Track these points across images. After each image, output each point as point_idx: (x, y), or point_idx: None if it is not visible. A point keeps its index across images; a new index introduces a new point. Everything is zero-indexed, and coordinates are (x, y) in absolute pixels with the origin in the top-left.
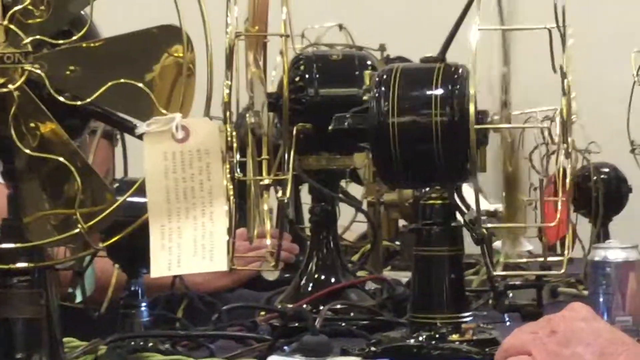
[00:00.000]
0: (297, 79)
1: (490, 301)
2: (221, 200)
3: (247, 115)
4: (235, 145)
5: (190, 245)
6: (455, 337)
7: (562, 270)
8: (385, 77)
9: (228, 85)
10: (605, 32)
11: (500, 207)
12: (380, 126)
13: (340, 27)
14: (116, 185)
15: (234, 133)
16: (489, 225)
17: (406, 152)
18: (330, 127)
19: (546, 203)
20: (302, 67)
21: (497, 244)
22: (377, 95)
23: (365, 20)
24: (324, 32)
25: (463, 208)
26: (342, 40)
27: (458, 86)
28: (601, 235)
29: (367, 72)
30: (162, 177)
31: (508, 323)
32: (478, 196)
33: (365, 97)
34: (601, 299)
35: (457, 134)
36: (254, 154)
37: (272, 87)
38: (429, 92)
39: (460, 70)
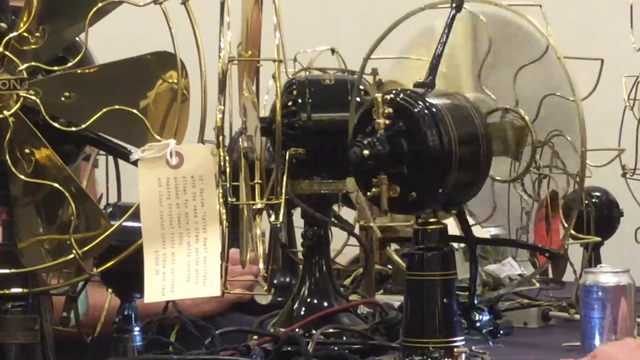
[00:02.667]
0: (289, 103)
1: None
2: (215, 226)
3: (240, 139)
4: (228, 169)
5: (184, 271)
6: None
7: None
8: (426, 102)
9: (221, 109)
10: (596, 56)
11: (495, 231)
12: (443, 148)
13: (333, 51)
14: (109, 209)
15: (227, 157)
16: None
17: (461, 173)
18: (366, 152)
19: (537, 226)
20: (294, 92)
21: (491, 267)
22: (429, 118)
23: (357, 43)
24: (316, 56)
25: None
26: (335, 64)
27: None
28: (592, 259)
29: (378, 96)
30: (156, 203)
31: (501, 345)
32: None
33: (382, 120)
34: (593, 323)
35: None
36: (247, 178)
37: (264, 112)
38: (472, 116)
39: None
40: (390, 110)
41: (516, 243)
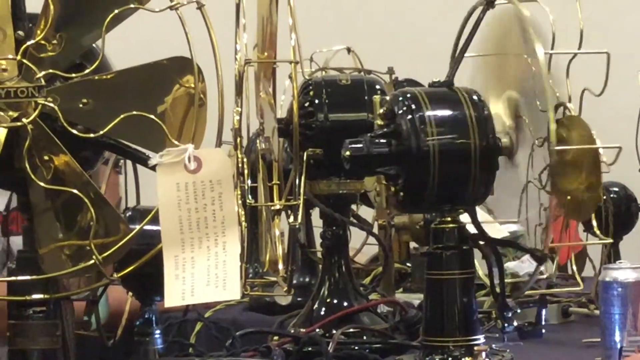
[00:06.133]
0: (306, 104)
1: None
2: (234, 229)
3: (258, 141)
4: (246, 171)
5: (204, 275)
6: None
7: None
8: (412, 102)
9: (238, 111)
10: (613, 52)
11: (515, 227)
12: (419, 150)
13: (349, 50)
14: (129, 213)
15: (245, 159)
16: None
17: (444, 175)
18: (347, 153)
19: (554, 223)
20: (311, 93)
21: (510, 264)
22: (410, 119)
23: (373, 42)
24: (332, 55)
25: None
26: (351, 63)
27: (484, 110)
28: (611, 254)
29: (376, 98)
30: (175, 208)
31: (520, 343)
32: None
33: (379, 122)
34: (613, 319)
35: (490, 158)
36: (265, 180)
37: (281, 112)
38: (464, 116)
39: (475, 96)
40: (384, 111)
41: (505, 242)
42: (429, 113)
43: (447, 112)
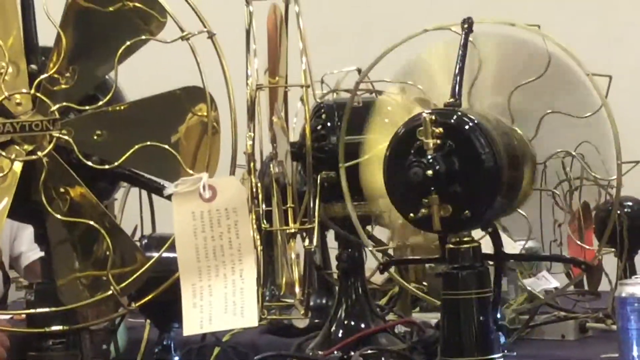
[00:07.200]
0: (319, 127)
1: None
2: (250, 257)
3: (271, 164)
4: (260, 195)
5: (221, 303)
6: None
7: None
8: (473, 120)
9: (251, 136)
10: (628, 64)
11: (530, 244)
12: (495, 164)
13: (359, 71)
14: (145, 241)
15: (259, 183)
16: None
17: (509, 187)
18: (429, 172)
19: (570, 238)
20: (323, 116)
21: (526, 281)
22: (479, 135)
23: (384, 64)
24: (343, 77)
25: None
26: (362, 85)
27: (505, 124)
28: (627, 269)
29: (426, 116)
30: (191, 237)
31: None
32: None
33: (432, 140)
34: (630, 334)
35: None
36: (280, 203)
37: (293, 136)
38: (509, 130)
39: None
40: (441, 130)
41: (548, 257)
42: (490, 130)
43: (498, 128)
